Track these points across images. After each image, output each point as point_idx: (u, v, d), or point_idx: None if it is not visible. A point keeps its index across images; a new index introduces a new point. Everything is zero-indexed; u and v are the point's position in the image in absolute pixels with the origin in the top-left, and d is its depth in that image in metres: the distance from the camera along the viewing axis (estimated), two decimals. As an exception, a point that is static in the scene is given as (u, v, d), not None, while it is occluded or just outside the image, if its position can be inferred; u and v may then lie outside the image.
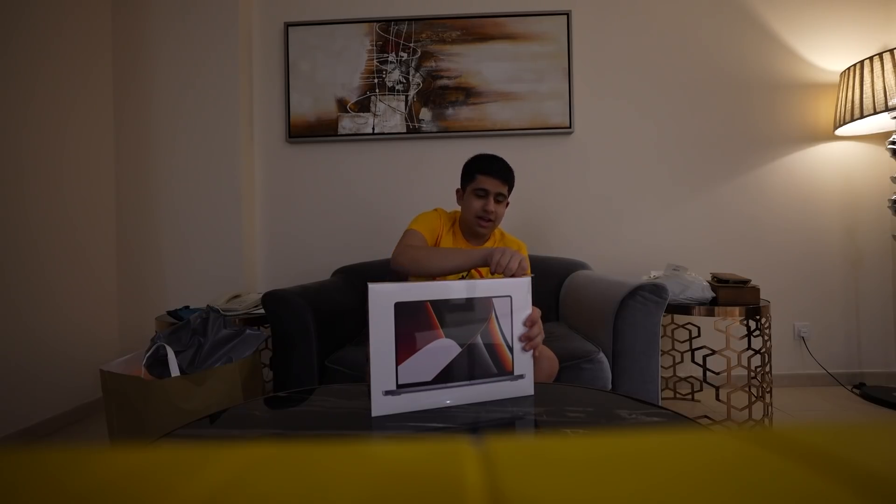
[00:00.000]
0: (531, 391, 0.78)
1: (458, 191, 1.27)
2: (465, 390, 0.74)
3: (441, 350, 0.73)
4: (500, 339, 0.76)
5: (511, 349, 0.77)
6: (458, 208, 1.31)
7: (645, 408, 0.73)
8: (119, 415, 1.09)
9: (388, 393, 0.70)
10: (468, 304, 0.75)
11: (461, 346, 0.74)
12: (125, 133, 1.98)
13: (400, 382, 0.70)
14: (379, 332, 0.70)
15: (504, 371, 0.76)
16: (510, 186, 1.22)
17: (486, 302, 0.76)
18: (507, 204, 1.27)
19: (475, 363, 0.74)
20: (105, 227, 1.93)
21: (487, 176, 1.18)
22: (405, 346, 0.71)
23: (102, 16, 1.92)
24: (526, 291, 0.79)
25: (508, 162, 1.23)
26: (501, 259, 0.91)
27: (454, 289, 0.75)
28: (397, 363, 0.70)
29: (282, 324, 1.30)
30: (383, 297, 0.70)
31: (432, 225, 1.21)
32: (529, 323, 0.78)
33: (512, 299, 0.77)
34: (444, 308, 0.74)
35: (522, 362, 0.78)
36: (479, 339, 0.75)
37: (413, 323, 0.72)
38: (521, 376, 0.77)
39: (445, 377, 0.73)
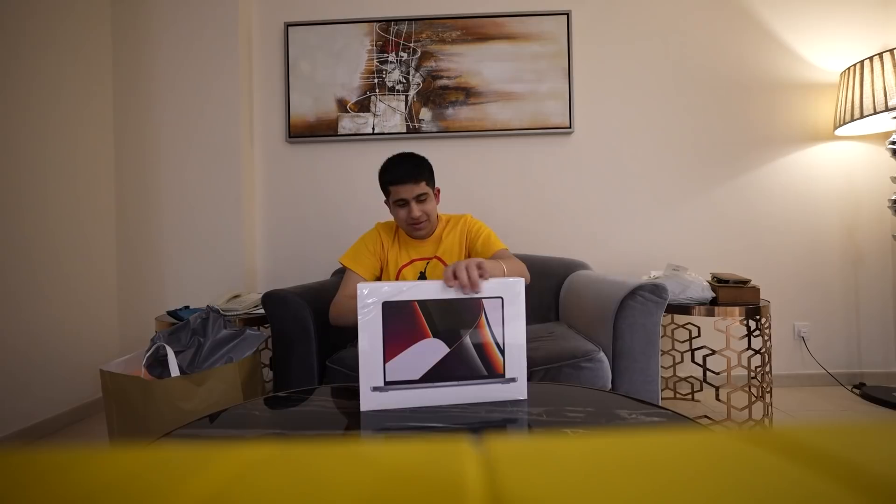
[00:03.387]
0: (524, 395, 0.76)
1: (385, 201, 1.26)
2: (454, 391, 0.74)
3: (428, 350, 0.73)
4: (491, 340, 0.76)
5: (503, 351, 0.76)
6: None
7: (645, 408, 0.73)
8: (119, 415, 1.09)
9: (375, 389, 0.71)
10: (457, 305, 0.75)
11: (449, 346, 0.74)
12: (125, 133, 1.98)
13: (388, 379, 0.72)
14: (367, 330, 0.72)
15: (495, 373, 0.75)
16: (427, 181, 1.17)
17: (476, 303, 0.76)
18: (438, 192, 1.25)
19: (464, 364, 0.74)
20: (105, 226, 1.93)
21: (397, 185, 1.14)
22: (393, 345, 0.72)
23: (102, 16, 1.92)
24: (518, 292, 0.78)
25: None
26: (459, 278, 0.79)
27: (443, 289, 0.75)
28: (385, 361, 0.72)
29: (282, 324, 1.30)
30: (372, 297, 0.72)
31: (365, 257, 1.21)
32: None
33: (503, 300, 0.77)
34: (432, 308, 0.74)
35: (515, 365, 0.76)
36: (467, 340, 0.75)
37: (401, 322, 0.73)
38: (514, 379, 0.76)
39: (434, 377, 0.73)
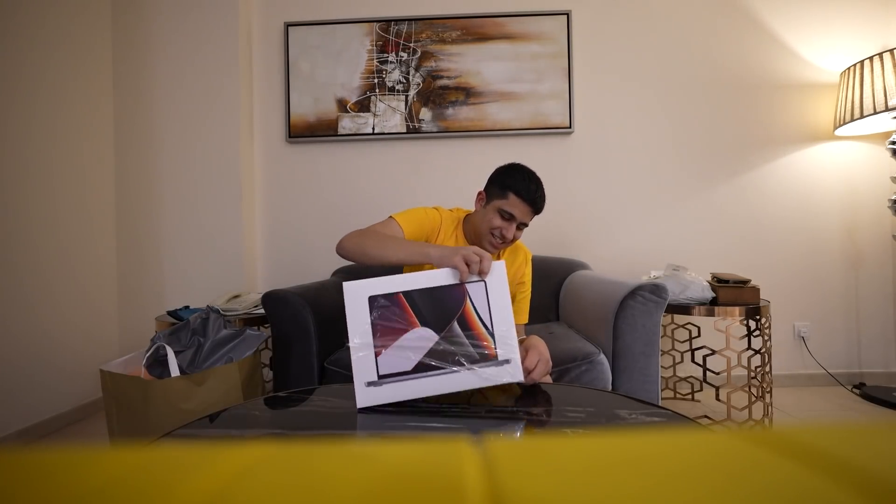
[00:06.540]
0: (520, 376, 0.75)
1: (480, 193, 1.11)
2: (448, 378, 0.73)
3: (418, 339, 0.74)
4: (479, 324, 0.75)
5: (492, 334, 0.75)
6: (459, 207, 1.23)
7: (645, 408, 0.73)
8: (119, 415, 1.09)
9: (370, 384, 0.71)
10: (441, 293, 0.76)
11: (438, 334, 0.74)
12: (125, 133, 1.98)
13: (381, 373, 0.72)
14: (356, 326, 0.73)
15: (487, 357, 0.75)
16: (537, 215, 1.09)
17: (460, 289, 0.77)
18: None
19: (455, 350, 0.74)
20: (105, 227, 1.93)
21: (522, 201, 1.02)
22: (383, 338, 0.73)
23: (102, 16, 1.92)
24: (500, 275, 0.78)
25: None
26: (471, 265, 0.76)
27: (426, 278, 0.76)
28: (376, 355, 0.72)
29: (281, 324, 1.30)
30: (357, 292, 0.74)
31: (421, 222, 1.07)
32: (535, 358, 0.80)
33: (486, 284, 0.77)
34: (417, 298, 0.75)
35: (507, 347, 0.75)
36: (455, 326, 0.75)
37: (388, 315, 0.74)
38: (507, 361, 0.75)
39: (427, 366, 0.73)
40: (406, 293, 0.75)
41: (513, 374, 0.74)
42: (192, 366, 1.16)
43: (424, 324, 0.74)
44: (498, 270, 0.78)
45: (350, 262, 1.87)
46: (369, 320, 0.73)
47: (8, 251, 1.51)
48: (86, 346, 1.79)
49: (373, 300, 0.74)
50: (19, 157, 1.55)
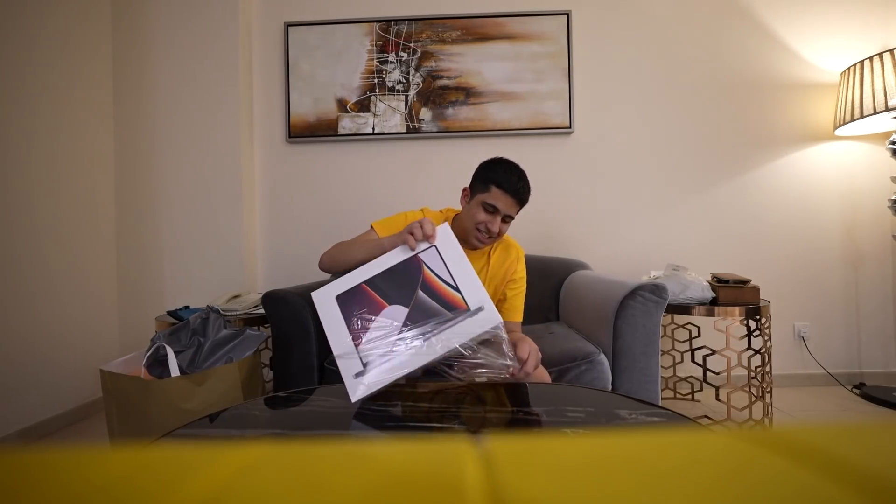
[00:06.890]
0: (498, 319, 0.75)
1: (465, 190, 1.11)
2: (431, 344, 0.73)
3: (390, 318, 0.76)
4: (442, 285, 0.78)
5: (458, 290, 0.77)
6: (450, 206, 1.22)
7: (645, 408, 0.73)
8: (119, 415, 1.09)
9: (358, 375, 0.72)
10: (398, 269, 0.79)
11: (407, 306, 0.76)
12: (125, 133, 1.98)
13: (365, 361, 0.73)
14: (332, 327, 0.75)
15: (460, 312, 0.76)
16: (523, 207, 1.09)
17: (414, 260, 0.80)
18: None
19: (428, 315, 0.76)
20: (105, 227, 1.93)
21: (504, 192, 1.02)
22: (358, 329, 0.75)
23: (102, 16, 1.92)
24: (447, 235, 0.81)
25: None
26: (415, 233, 0.81)
27: (381, 262, 0.80)
28: (356, 346, 0.74)
29: (281, 324, 1.30)
30: (325, 296, 0.78)
31: (399, 225, 1.06)
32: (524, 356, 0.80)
33: (437, 248, 0.80)
34: (378, 282, 0.79)
35: (475, 296, 0.77)
36: (420, 293, 0.77)
37: (357, 306, 0.77)
38: (481, 308, 0.76)
39: (406, 340, 0.75)
40: (368, 281, 0.78)
41: (490, 319, 0.75)
42: (192, 366, 1.16)
43: (392, 302, 0.77)
44: (444, 232, 0.81)
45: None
46: (342, 319, 0.76)
47: (11, 251, 1.51)
48: (86, 346, 1.79)
49: (340, 299, 0.77)
50: (22, 158, 1.55)
